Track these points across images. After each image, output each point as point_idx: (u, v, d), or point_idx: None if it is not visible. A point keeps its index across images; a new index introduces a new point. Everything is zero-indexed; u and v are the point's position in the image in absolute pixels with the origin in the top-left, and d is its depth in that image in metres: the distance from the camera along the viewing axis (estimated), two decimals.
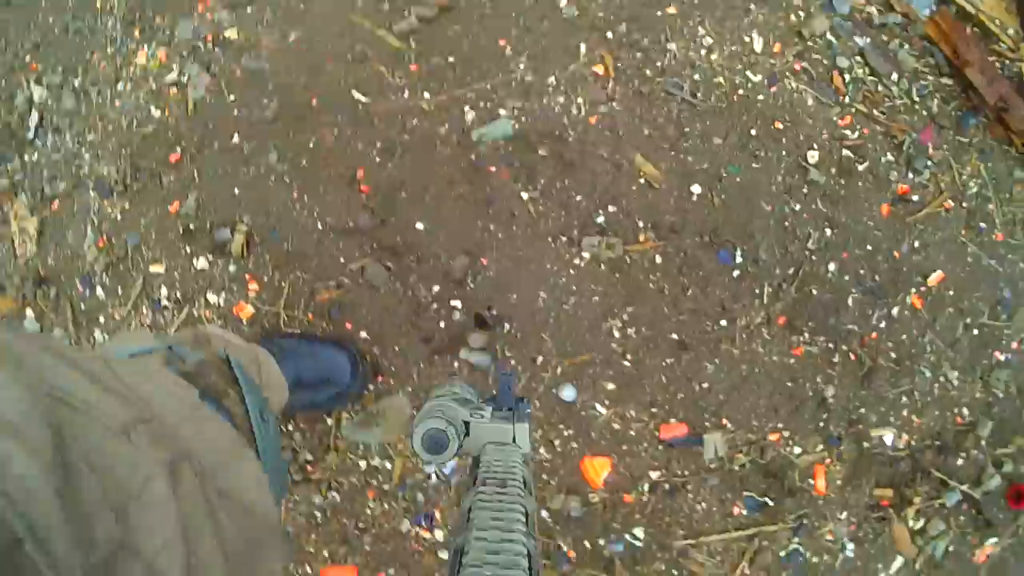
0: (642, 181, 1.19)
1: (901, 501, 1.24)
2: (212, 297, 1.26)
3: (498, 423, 0.44)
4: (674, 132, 1.19)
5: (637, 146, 1.19)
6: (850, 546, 1.23)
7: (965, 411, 1.26)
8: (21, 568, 0.34)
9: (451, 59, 1.25)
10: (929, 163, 1.22)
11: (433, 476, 1.19)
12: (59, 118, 1.41)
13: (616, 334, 1.19)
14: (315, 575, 1.23)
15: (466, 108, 1.23)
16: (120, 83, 1.39)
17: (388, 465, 1.21)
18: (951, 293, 1.25)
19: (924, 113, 1.22)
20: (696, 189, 1.19)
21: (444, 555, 1.20)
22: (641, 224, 1.19)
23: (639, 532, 1.19)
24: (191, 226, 1.28)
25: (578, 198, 1.19)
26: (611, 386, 1.18)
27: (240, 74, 1.30)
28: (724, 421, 1.19)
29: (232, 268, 1.26)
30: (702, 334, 1.19)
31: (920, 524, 1.25)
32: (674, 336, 1.19)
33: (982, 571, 1.27)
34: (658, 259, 1.19)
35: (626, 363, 1.18)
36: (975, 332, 1.26)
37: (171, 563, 0.45)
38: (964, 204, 1.25)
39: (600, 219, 1.19)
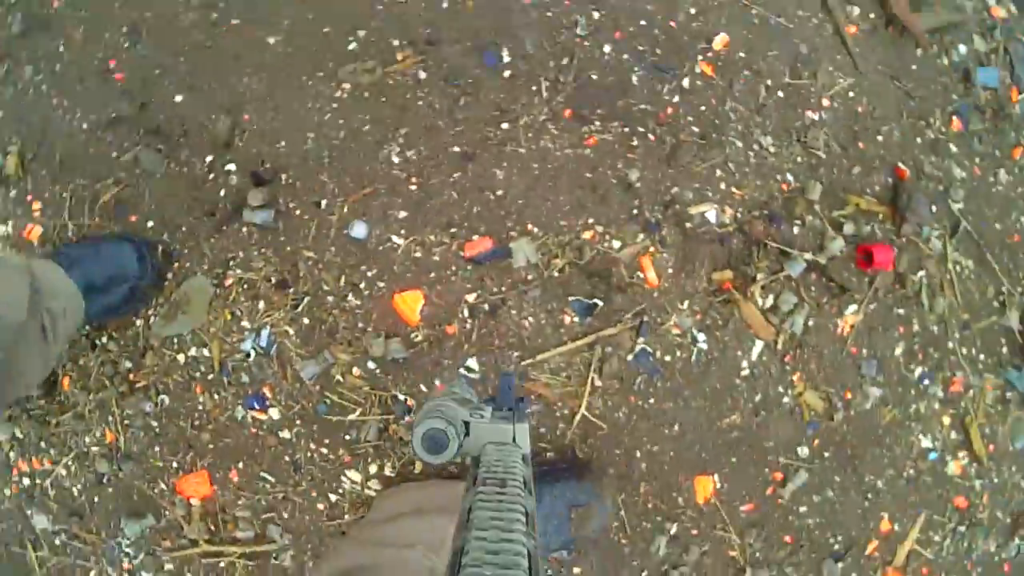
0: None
1: (744, 280, 1.14)
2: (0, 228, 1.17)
3: (498, 423, 0.44)
4: None
5: None
6: (701, 337, 1.12)
7: (789, 176, 1.18)
8: None
9: None
10: None
11: (252, 353, 1.08)
12: None
13: (395, 159, 1.10)
14: (171, 490, 1.10)
15: None
16: None
17: (206, 352, 1.10)
18: (743, 55, 1.19)
19: None
20: None
21: (285, 434, 1.08)
22: (396, 43, 1.12)
23: (472, 363, 1.08)
24: None
25: (325, 29, 1.13)
26: (402, 214, 1.09)
27: None
28: (529, 226, 1.09)
29: (12, 193, 1.17)
30: (484, 141, 1.11)
31: (770, 301, 1.14)
32: (455, 149, 1.10)
33: (848, 342, 1.17)
34: (421, 74, 1.12)
35: (412, 187, 1.09)
36: (780, 94, 1.20)
37: None
38: None
39: (352, 46, 1.12)
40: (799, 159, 1.19)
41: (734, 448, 1.14)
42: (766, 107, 1.19)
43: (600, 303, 1.09)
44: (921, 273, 1.20)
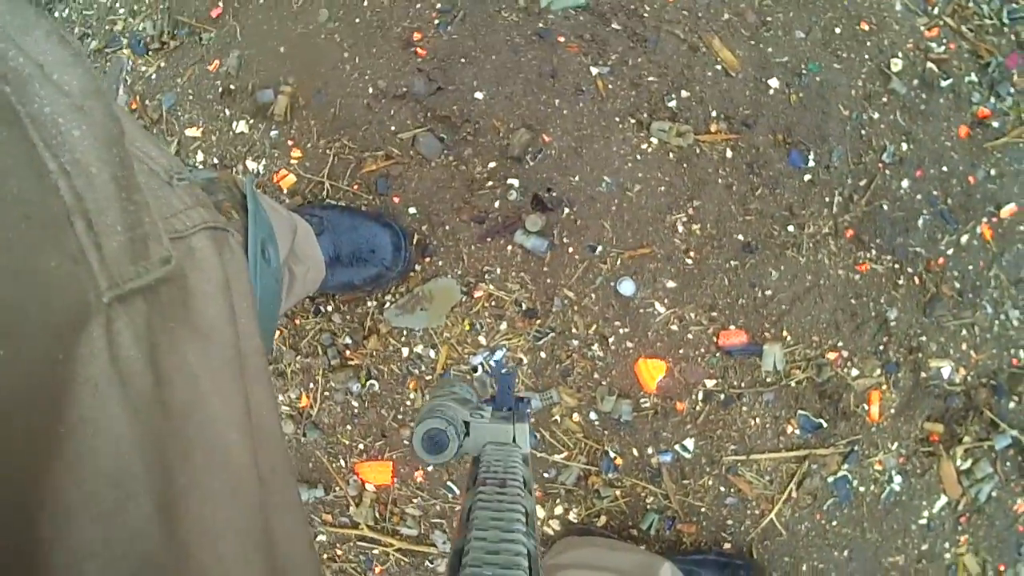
0: (719, 67, 1.12)
1: (951, 438, 1.18)
2: (252, 164, 1.16)
3: (498, 423, 0.44)
4: (755, 19, 1.13)
5: (716, 30, 1.12)
6: (897, 479, 1.16)
7: (1022, 354, 1.21)
8: (61, 238, 0.30)
9: None
10: (1012, 90, 1.18)
11: (479, 370, 1.09)
12: None
13: (680, 228, 1.11)
14: (349, 469, 1.12)
15: None
16: None
17: (432, 354, 1.10)
18: (1022, 228, 1.20)
19: (1012, 38, 1.18)
20: (774, 83, 1.12)
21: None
22: (714, 114, 1.12)
23: (689, 443, 1.10)
24: (231, 87, 1.18)
25: (650, 78, 1.12)
26: (671, 284, 1.10)
27: None
28: (784, 333, 1.12)
29: (274, 133, 1.15)
30: (768, 238, 1.12)
31: (968, 464, 1.19)
32: (739, 237, 1.11)
33: (1019, 522, 1.22)
34: (728, 153, 1.11)
35: (688, 261, 1.10)
36: None
37: (220, 319, 0.40)
38: None
39: (672, 103, 1.11)
40: None
41: None
42: (1023, 283, 1.21)
43: (824, 424, 1.13)
44: None
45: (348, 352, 1.13)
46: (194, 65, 1.20)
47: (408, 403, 1.12)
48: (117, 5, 1.27)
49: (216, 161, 1.18)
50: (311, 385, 1.14)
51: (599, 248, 1.10)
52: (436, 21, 1.14)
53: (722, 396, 1.11)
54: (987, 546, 1.22)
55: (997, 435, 1.18)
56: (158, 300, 0.35)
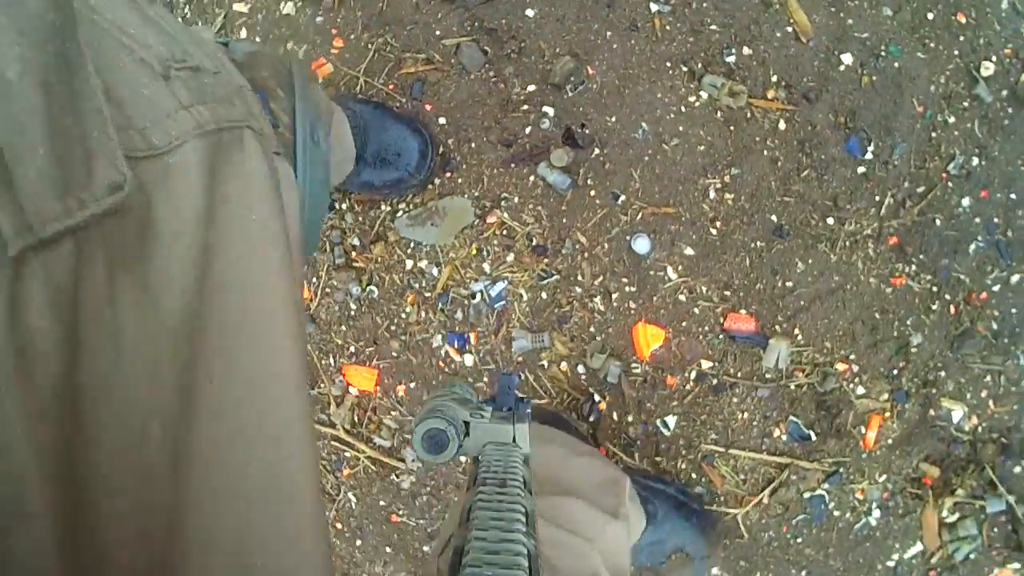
0: (789, 30, 1.02)
1: (944, 487, 1.09)
2: (292, 46, 1.08)
3: (498, 423, 0.44)
4: None
5: None
6: (876, 512, 1.08)
7: None
8: None
9: None
10: None
11: (478, 296, 1.02)
12: None
13: (712, 195, 1.01)
14: (336, 369, 1.06)
15: None
16: None
17: (435, 271, 1.04)
18: None
19: None
20: (847, 59, 1.02)
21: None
22: (774, 79, 1.02)
23: (671, 421, 1.03)
24: None
25: (712, 27, 1.02)
26: (689, 251, 1.01)
27: None
28: (796, 331, 1.03)
29: (319, 19, 1.07)
30: (803, 225, 1.02)
31: (954, 518, 1.10)
32: (773, 218, 1.02)
33: None
34: (781, 124, 1.02)
35: (713, 231, 1.02)
36: None
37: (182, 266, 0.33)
38: None
39: (730, 58, 1.02)
40: None
41: None
42: None
43: (814, 436, 1.05)
44: None
45: (354, 254, 1.06)
46: None
47: (403, 316, 1.06)
48: None
49: (259, 38, 1.11)
50: (314, 280, 1.08)
51: (622, 197, 1.01)
52: None
53: (715, 381, 1.03)
54: None
55: (993, 497, 1.09)
56: (101, 241, 0.28)
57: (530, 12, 1.03)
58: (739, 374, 1.02)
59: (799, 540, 1.08)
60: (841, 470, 1.06)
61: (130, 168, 0.30)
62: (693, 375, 1.03)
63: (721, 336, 1.02)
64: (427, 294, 1.05)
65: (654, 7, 1.02)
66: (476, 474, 0.37)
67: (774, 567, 1.08)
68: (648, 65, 1.02)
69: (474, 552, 0.28)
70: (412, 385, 1.06)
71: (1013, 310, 1.07)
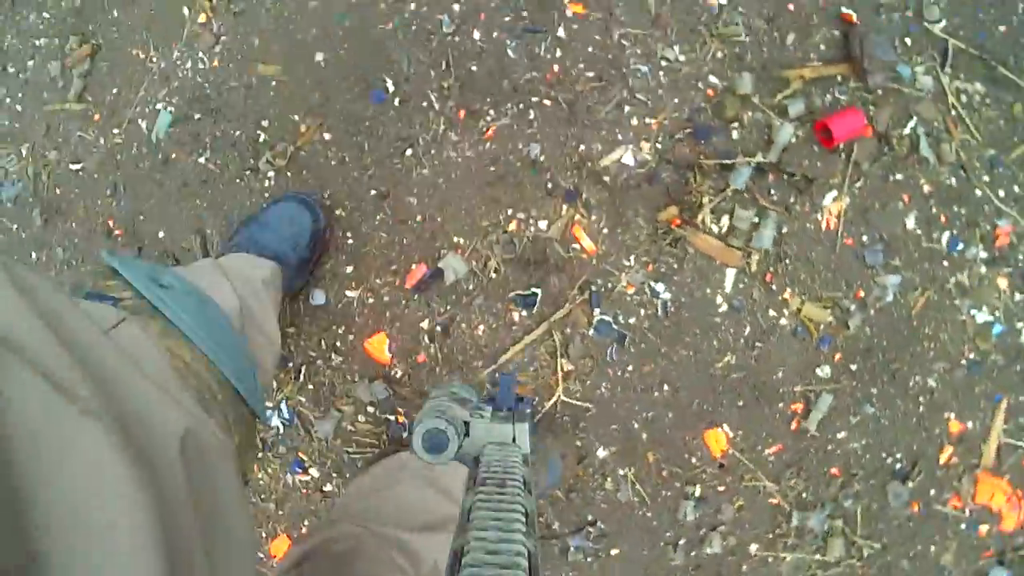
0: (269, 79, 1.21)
1: (691, 212, 1.04)
2: None
3: (498, 423, 0.44)
4: None
5: None
6: (660, 287, 1.05)
7: (712, 79, 1.05)
8: None
9: None
10: None
11: (280, 426, 1.23)
12: None
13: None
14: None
15: None
16: None
17: None
18: None
19: None
20: (319, 57, 1.18)
21: (328, 487, 1.21)
22: (296, 118, 1.20)
23: (456, 380, 1.11)
24: None
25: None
26: (348, 269, 1.17)
27: None
28: (454, 239, 1.11)
29: None
30: (394, 175, 1.14)
31: (725, 223, 1.03)
32: (372, 192, 1.15)
33: (840, 235, 1.00)
34: (327, 135, 1.18)
35: (350, 242, 1.17)
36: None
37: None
38: None
39: (262, 137, 1.22)
40: (719, 54, 1.05)
41: (737, 391, 1.04)
42: (661, 16, 1.07)
43: (538, 291, 1.07)
44: (912, 123, 0.99)
45: None
46: None
47: (260, 482, 1.28)
48: None
49: None
50: None
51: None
52: None
53: (439, 328, 1.11)
54: (822, 284, 1.02)
55: (732, 175, 1.02)
56: None
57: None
58: (448, 306, 1.10)
59: (630, 368, 1.06)
60: (592, 288, 1.06)
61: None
62: (426, 339, 1.12)
63: (415, 297, 1.12)
64: (259, 455, 1.27)
65: None
66: (476, 474, 0.37)
67: (637, 406, 1.06)
68: (231, 182, 1.26)
69: (474, 552, 0.28)
70: (306, 522, 1.24)
71: (588, 48, 1.07)
